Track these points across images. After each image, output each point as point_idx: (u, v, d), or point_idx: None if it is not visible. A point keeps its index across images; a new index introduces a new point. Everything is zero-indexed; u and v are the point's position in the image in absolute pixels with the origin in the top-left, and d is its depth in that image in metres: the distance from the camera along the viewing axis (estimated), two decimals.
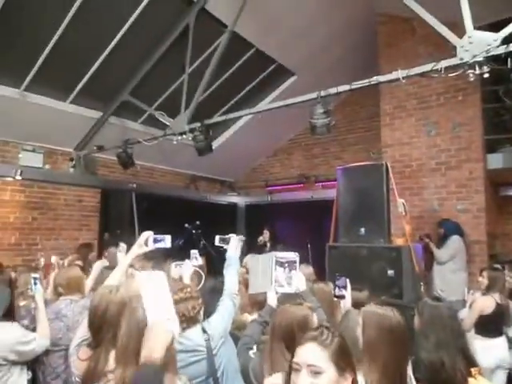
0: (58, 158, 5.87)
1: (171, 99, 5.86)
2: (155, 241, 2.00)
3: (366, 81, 3.45)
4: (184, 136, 4.73)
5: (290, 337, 1.51)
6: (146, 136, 5.45)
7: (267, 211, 7.96)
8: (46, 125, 5.31)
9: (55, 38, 4.41)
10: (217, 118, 4.67)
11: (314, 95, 3.60)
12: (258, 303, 2.34)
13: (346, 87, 3.46)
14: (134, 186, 6.47)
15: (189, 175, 7.97)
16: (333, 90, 3.54)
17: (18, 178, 5.15)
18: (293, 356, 1.23)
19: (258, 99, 7.01)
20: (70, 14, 4.25)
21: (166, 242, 2.03)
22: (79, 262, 4.12)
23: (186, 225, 5.93)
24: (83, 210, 6.30)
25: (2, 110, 4.84)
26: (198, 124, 4.63)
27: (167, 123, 5.10)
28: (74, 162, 5.93)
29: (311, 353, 1.19)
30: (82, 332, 1.57)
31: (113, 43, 4.82)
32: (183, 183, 7.90)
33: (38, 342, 2.23)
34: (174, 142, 4.91)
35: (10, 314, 2.24)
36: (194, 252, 3.34)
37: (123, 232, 6.47)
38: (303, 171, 8.28)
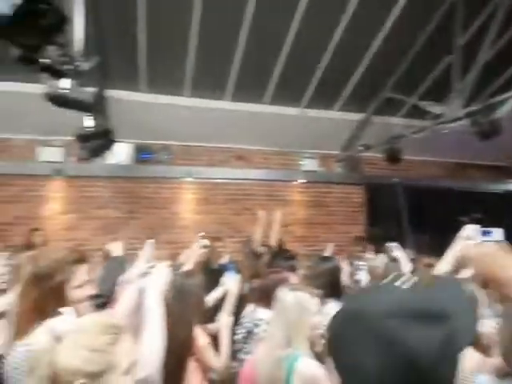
0: (328, 160, 6.63)
1: (434, 86, 5.57)
2: (483, 233, 1.95)
3: None
4: (459, 122, 4.39)
5: None
6: (407, 129, 5.40)
7: None
8: (320, 134, 6.08)
9: (328, 56, 5.01)
10: (505, 95, 4.08)
11: None
12: None
13: None
14: (397, 180, 6.51)
15: (453, 164, 7.32)
16: None
17: (302, 181, 6.16)
18: None
19: None
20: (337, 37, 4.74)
21: (497, 235, 1.94)
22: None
23: (462, 218, 5.46)
24: (351, 206, 6.85)
25: (288, 127, 5.88)
26: (474, 107, 4.20)
27: (436, 112, 4.87)
28: (341, 163, 6.54)
29: None
30: None
31: (373, 48, 5.04)
32: (447, 173, 7.33)
33: None
34: (446, 131, 4.64)
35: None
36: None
37: (389, 225, 6.62)
38: None
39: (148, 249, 2.40)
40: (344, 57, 5.06)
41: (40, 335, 0.95)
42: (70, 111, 3.13)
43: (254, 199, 6.20)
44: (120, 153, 5.35)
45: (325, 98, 5.73)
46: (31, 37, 1.77)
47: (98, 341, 0.90)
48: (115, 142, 4.00)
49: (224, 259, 4.49)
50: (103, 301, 1.82)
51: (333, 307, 2.48)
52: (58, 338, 0.90)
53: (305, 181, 6.13)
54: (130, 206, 5.72)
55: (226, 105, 5.47)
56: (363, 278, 2.93)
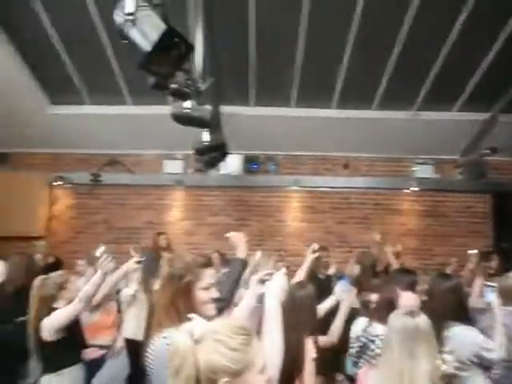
0: (446, 166, 6.04)
1: None
2: None
3: None
4: None
5: None
6: None
7: None
8: (436, 137, 5.59)
9: (444, 52, 4.61)
10: None
11: None
12: None
13: None
14: None
15: None
16: None
17: (414, 189, 5.72)
18: None
19: None
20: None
21: None
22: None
23: None
24: (472, 216, 6.12)
25: (398, 132, 5.54)
26: None
27: None
28: (461, 169, 5.90)
29: None
30: None
31: (501, 38, 4.46)
32: None
33: (499, 353, 2.21)
34: None
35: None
36: None
37: None
38: None
39: (260, 257, 2.49)
40: (464, 51, 4.57)
41: (178, 335, 1.05)
42: (190, 127, 3.47)
43: (360, 208, 6.00)
44: (231, 164, 5.70)
45: (441, 98, 5.25)
46: (165, 66, 2.03)
47: (236, 341, 0.96)
48: (228, 154, 4.28)
49: (331, 269, 4.42)
50: (223, 305, 1.93)
51: (458, 332, 2.20)
52: (196, 340, 0.99)
53: (417, 189, 5.68)
54: (240, 214, 6.06)
55: (331, 113, 5.41)
56: (493, 299, 2.56)
